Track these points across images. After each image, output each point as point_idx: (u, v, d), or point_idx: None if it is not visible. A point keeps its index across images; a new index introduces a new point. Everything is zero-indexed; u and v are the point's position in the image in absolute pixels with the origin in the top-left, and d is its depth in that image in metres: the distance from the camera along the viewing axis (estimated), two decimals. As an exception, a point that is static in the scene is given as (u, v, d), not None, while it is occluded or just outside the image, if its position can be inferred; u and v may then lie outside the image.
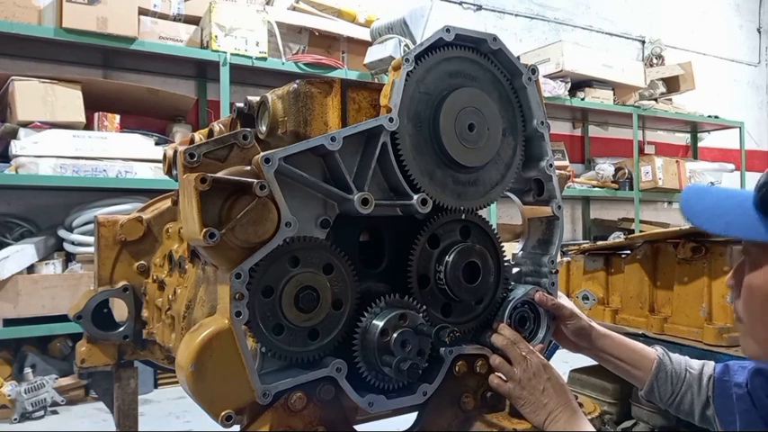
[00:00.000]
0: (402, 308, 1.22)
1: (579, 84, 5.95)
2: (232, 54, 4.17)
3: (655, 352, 1.42)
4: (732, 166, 7.46)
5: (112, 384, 2.09)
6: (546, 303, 1.35)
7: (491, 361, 1.30)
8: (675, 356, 1.43)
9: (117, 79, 4.33)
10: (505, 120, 1.37)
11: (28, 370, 3.46)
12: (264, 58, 4.32)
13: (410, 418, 1.35)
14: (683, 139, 7.90)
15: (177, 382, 1.72)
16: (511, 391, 1.25)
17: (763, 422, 1.28)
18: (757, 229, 0.98)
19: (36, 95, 3.63)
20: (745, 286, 1.04)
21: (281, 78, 3.99)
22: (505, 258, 1.42)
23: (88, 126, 3.85)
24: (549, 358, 1.34)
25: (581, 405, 1.48)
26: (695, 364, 1.42)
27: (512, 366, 1.26)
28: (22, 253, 3.54)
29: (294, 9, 4.63)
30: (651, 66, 7.01)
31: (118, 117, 3.97)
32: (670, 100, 6.92)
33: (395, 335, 1.19)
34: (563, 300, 1.40)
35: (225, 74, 4.16)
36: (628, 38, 7.48)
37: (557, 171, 1.44)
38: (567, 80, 5.77)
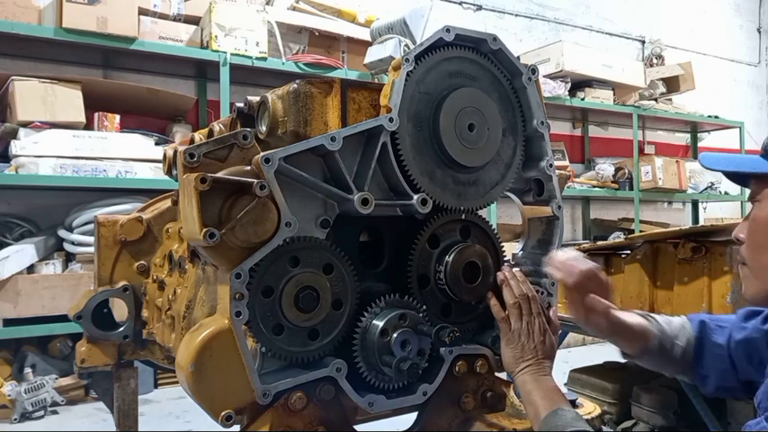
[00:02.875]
0: (402, 308, 1.22)
1: (579, 84, 5.94)
2: (232, 54, 4.17)
3: (651, 328, 1.41)
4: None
5: (112, 384, 2.09)
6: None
7: (492, 307, 1.30)
8: (666, 331, 1.42)
9: (117, 79, 4.32)
10: (505, 120, 1.37)
11: (28, 370, 3.45)
12: (264, 58, 4.32)
13: (410, 418, 1.35)
14: (683, 139, 7.90)
15: (177, 382, 1.72)
16: (507, 332, 1.26)
17: (741, 385, 1.35)
18: (762, 165, 1.14)
19: (36, 95, 3.63)
20: (751, 221, 1.16)
21: (281, 78, 3.99)
22: (505, 258, 1.42)
23: (88, 126, 3.84)
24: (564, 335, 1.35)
25: (580, 406, 1.48)
26: (680, 334, 1.42)
27: (508, 318, 1.27)
28: (22, 253, 3.54)
29: (294, 9, 4.62)
30: (651, 66, 7.00)
31: (118, 117, 3.97)
32: (670, 100, 6.91)
33: (395, 335, 1.19)
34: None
35: (225, 74, 4.15)
36: (628, 38, 7.47)
37: (557, 171, 1.44)
38: (567, 80, 5.77)
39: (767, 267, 1.12)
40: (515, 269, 1.34)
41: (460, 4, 6.20)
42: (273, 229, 1.10)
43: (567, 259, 1.30)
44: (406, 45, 4.38)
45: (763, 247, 1.13)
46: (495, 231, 1.41)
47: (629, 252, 2.64)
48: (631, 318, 1.41)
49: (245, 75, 4.50)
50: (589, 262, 1.31)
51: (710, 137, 7.91)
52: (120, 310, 2.02)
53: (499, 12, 6.44)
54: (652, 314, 1.46)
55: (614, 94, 6.19)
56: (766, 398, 1.06)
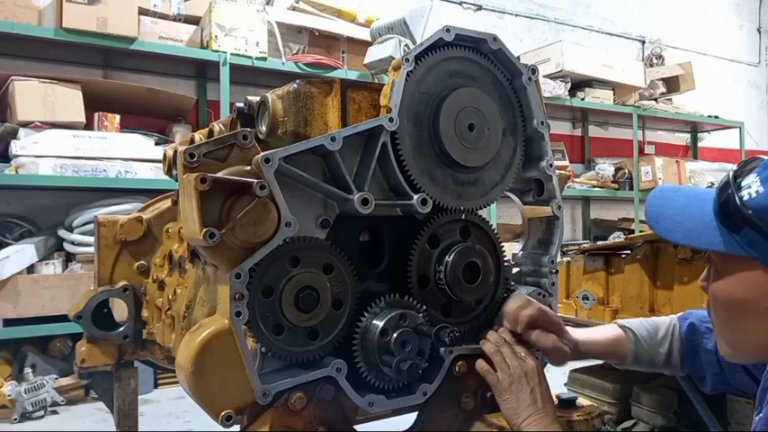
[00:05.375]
0: (402, 308, 1.22)
1: (579, 84, 5.94)
2: (232, 54, 4.17)
3: (626, 339, 1.41)
4: (732, 167, 7.45)
5: (112, 384, 2.09)
6: (546, 344, 1.30)
7: (476, 364, 1.28)
8: (643, 336, 1.42)
9: (117, 79, 4.32)
10: (505, 120, 1.37)
11: (28, 370, 3.45)
12: (264, 58, 4.32)
13: (410, 418, 1.35)
14: (683, 139, 7.90)
15: (177, 382, 1.72)
16: (496, 383, 1.24)
17: (737, 388, 1.35)
18: (714, 239, 0.96)
19: (36, 95, 3.63)
20: (710, 293, 1.04)
21: (281, 78, 3.98)
22: (505, 258, 1.42)
23: (88, 126, 3.84)
24: (547, 361, 1.34)
25: (579, 406, 1.48)
26: (664, 341, 1.42)
27: (495, 372, 1.25)
28: (22, 253, 3.54)
29: (294, 9, 4.62)
30: (651, 66, 7.00)
31: (118, 117, 3.97)
32: (670, 100, 6.91)
33: (395, 335, 1.19)
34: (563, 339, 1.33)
35: (225, 74, 4.15)
36: (628, 38, 7.47)
37: (557, 171, 1.44)
38: (567, 80, 5.77)
39: (734, 340, 1.02)
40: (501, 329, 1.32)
41: (460, 4, 6.20)
42: (273, 229, 1.10)
43: (515, 308, 1.28)
44: (406, 45, 4.38)
45: (726, 323, 1.02)
46: (495, 231, 1.41)
47: (629, 252, 2.64)
48: (604, 335, 1.42)
49: (245, 75, 4.50)
50: (536, 305, 1.28)
51: (710, 137, 7.91)
52: (120, 310, 2.02)
53: (499, 12, 6.45)
54: (631, 324, 1.45)
55: (614, 94, 6.19)
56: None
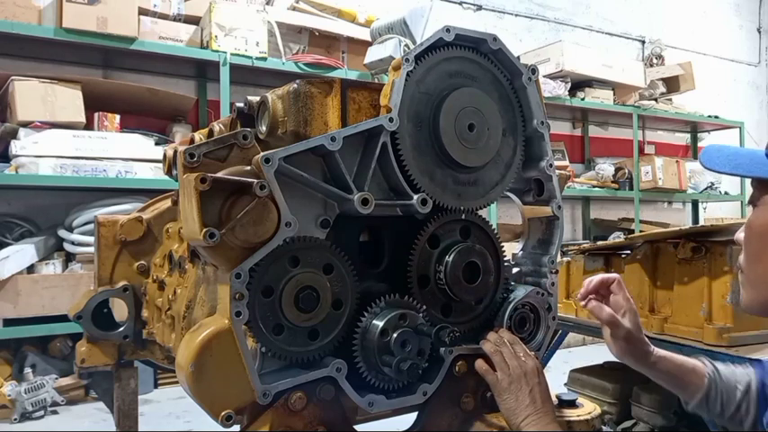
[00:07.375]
0: (402, 308, 1.22)
1: (579, 84, 5.94)
2: (232, 54, 4.17)
3: (704, 368, 1.37)
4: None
5: (112, 384, 2.09)
6: (600, 316, 1.32)
7: (476, 364, 1.29)
8: (723, 371, 1.37)
9: (117, 79, 4.32)
10: (505, 120, 1.37)
11: (28, 370, 3.45)
12: (264, 58, 4.32)
13: (410, 418, 1.35)
14: (682, 139, 7.89)
15: (177, 382, 1.72)
16: (496, 383, 1.24)
17: None
18: (762, 168, 1.06)
19: (36, 95, 3.63)
20: (746, 227, 1.10)
21: (281, 78, 3.98)
22: (505, 258, 1.42)
23: (88, 126, 3.84)
24: (547, 361, 1.34)
25: (580, 406, 1.48)
26: (741, 377, 1.37)
27: (495, 372, 1.25)
28: (22, 253, 3.54)
29: (294, 9, 4.62)
30: (651, 66, 7.00)
31: (118, 117, 3.96)
32: (670, 100, 6.91)
33: (395, 335, 1.19)
34: (625, 319, 1.36)
35: (225, 74, 4.15)
36: (628, 38, 7.47)
37: (557, 171, 1.44)
38: (567, 80, 5.76)
39: (761, 277, 1.06)
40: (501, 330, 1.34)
41: (460, 4, 6.20)
42: (273, 229, 1.10)
43: (593, 308, 1.32)
44: (406, 45, 4.38)
45: (757, 256, 1.07)
46: (495, 231, 1.41)
47: (629, 252, 2.63)
48: (682, 357, 1.39)
49: (245, 75, 4.50)
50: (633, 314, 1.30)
51: (710, 137, 7.91)
52: (120, 310, 2.02)
53: (499, 12, 6.44)
54: (708, 361, 1.41)
55: (614, 94, 6.19)
56: None
